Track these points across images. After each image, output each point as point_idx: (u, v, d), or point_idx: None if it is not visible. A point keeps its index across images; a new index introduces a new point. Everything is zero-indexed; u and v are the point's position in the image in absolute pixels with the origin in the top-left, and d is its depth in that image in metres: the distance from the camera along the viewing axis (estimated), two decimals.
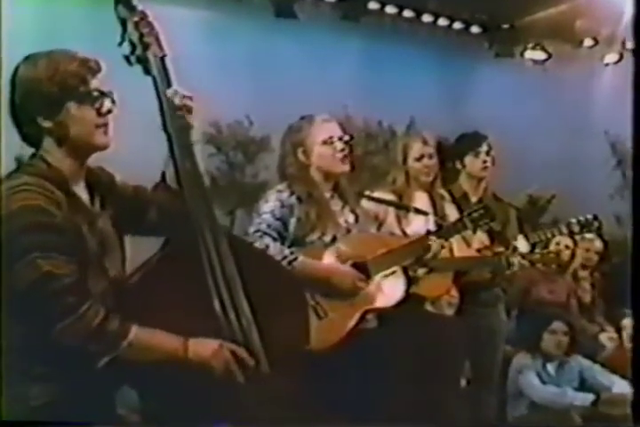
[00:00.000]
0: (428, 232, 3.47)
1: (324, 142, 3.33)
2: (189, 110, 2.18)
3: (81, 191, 2.09)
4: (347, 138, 3.38)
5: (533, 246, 4.01)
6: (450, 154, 4.01)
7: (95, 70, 2.05)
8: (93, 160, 2.13)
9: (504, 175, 4.27)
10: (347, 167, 3.37)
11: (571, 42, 6.99)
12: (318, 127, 3.36)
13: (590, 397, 4.55)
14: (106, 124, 2.06)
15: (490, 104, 6.68)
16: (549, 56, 6.98)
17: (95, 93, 2.04)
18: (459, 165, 4.06)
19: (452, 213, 3.84)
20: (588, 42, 6.92)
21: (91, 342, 1.95)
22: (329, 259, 3.27)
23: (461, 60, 6.76)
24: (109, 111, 2.06)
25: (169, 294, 2.05)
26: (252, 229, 3.23)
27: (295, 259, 3.13)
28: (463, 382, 4.04)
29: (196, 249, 2.10)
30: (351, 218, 3.43)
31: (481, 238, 3.82)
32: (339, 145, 3.34)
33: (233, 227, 5.57)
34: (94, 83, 2.04)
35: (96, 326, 1.93)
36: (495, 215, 3.56)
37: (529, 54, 6.99)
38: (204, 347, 2.04)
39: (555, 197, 7.05)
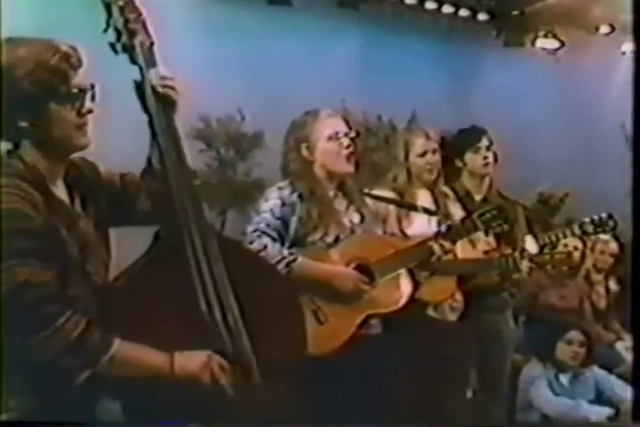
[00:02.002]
0: (437, 233, 3.49)
1: (330, 138, 3.37)
2: (172, 90, 2.20)
3: (60, 191, 2.11)
4: (353, 134, 3.42)
5: (542, 248, 4.02)
6: (450, 150, 4.02)
7: (76, 66, 2.06)
8: (76, 153, 2.16)
9: (512, 172, 4.29)
10: (351, 168, 3.41)
11: (585, 29, 6.97)
12: (323, 122, 3.40)
13: (607, 410, 4.54)
14: (85, 124, 2.09)
15: (498, 97, 6.68)
16: (562, 44, 6.98)
17: (76, 92, 2.06)
18: (459, 163, 4.08)
19: (456, 213, 3.87)
20: (604, 29, 6.91)
21: (68, 357, 1.95)
22: (331, 260, 3.30)
23: (467, 50, 6.75)
24: (90, 111, 2.08)
25: (155, 300, 2.07)
26: (250, 229, 3.25)
27: (294, 260, 3.16)
28: (469, 393, 4.07)
29: (183, 252, 2.12)
30: (356, 218, 3.47)
31: (487, 239, 3.81)
32: (345, 141, 3.38)
33: (224, 228, 5.59)
34: (75, 79, 2.06)
35: (74, 339, 1.94)
36: (509, 217, 3.59)
37: (540, 43, 6.99)
38: (191, 360, 2.06)
39: (568, 196, 7.07)
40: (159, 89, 2.18)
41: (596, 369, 4.78)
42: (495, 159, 4.08)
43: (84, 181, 2.18)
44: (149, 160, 2.28)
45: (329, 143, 3.38)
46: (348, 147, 3.38)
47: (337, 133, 3.38)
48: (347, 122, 3.49)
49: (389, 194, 3.83)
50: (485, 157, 4.04)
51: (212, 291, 2.11)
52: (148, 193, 2.28)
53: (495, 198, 4.05)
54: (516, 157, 4.29)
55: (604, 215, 4.13)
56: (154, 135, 2.20)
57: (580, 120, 6.97)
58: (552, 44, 6.98)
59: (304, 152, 3.39)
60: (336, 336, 3.19)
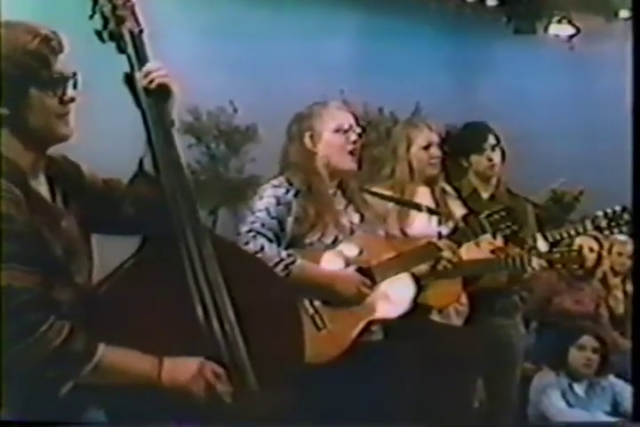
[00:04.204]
0: (440, 235, 3.52)
1: (337, 130, 3.42)
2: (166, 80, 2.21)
3: (40, 186, 2.12)
4: (359, 130, 3.46)
5: (553, 246, 4.00)
6: (455, 148, 4.05)
7: (58, 50, 2.07)
8: (57, 148, 2.17)
9: (522, 169, 4.28)
10: (354, 165, 3.44)
11: (603, 14, 6.99)
12: (331, 113, 3.45)
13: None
14: (68, 113, 2.09)
15: (507, 88, 6.69)
16: (578, 31, 6.99)
17: (58, 78, 2.06)
18: (465, 163, 4.13)
19: (457, 211, 3.90)
20: (623, 13, 6.89)
21: (49, 367, 1.97)
22: (330, 263, 3.33)
23: (475, 38, 6.78)
24: (72, 99, 2.09)
25: (144, 305, 2.09)
26: (244, 229, 3.27)
27: (293, 262, 3.18)
28: (476, 404, 4.09)
29: (175, 253, 2.14)
30: (356, 218, 3.50)
31: (491, 238, 3.77)
32: (352, 136, 3.42)
33: (215, 228, 5.61)
34: (57, 65, 2.06)
35: (55, 348, 1.96)
36: (517, 218, 3.60)
37: (553, 29, 7.01)
38: (181, 369, 2.08)
39: (583, 194, 7.09)
40: (150, 84, 2.20)
41: (612, 378, 4.77)
42: (503, 157, 4.11)
43: (65, 176, 2.19)
44: (141, 162, 2.29)
45: (335, 136, 3.42)
46: (354, 142, 3.42)
47: (344, 126, 3.43)
48: (355, 117, 3.53)
49: (389, 192, 3.85)
50: (490, 159, 4.08)
51: (207, 295, 2.14)
52: (135, 200, 2.29)
53: (503, 196, 4.09)
54: (526, 152, 4.29)
55: (617, 208, 4.02)
56: (148, 133, 2.22)
57: (595, 113, 6.96)
58: (566, 30, 6.98)
59: (307, 142, 3.42)
60: (335, 343, 3.22)
